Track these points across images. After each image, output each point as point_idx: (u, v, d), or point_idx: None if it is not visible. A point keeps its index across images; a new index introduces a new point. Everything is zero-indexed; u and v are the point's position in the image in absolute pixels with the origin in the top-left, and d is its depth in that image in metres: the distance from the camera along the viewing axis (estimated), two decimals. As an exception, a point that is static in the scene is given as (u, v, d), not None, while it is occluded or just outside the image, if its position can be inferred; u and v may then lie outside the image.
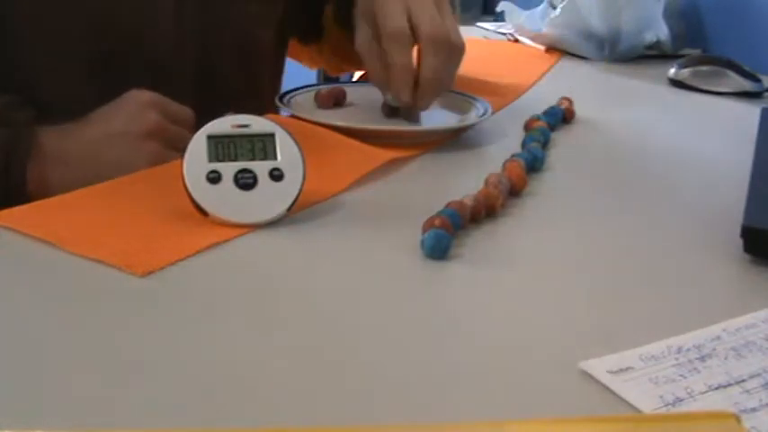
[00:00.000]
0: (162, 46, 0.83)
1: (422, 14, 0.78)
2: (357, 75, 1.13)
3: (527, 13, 1.37)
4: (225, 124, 0.60)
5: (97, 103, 0.75)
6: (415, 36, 0.78)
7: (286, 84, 0.99)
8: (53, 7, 0.78)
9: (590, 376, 0.43)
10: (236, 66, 0.90)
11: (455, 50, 0.80)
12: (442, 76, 0.79)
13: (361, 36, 0.82)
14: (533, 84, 1.07)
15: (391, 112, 0.82)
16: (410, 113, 0.82)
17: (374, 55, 0.80)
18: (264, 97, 0.92)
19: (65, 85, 0.79)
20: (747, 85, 1.09)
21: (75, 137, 0.74)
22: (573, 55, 1.28)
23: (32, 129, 0.73)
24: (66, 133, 0.74)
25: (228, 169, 0.59)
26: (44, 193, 0.71)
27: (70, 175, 0.71)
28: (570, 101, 0.92)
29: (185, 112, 0.77)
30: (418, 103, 0.80)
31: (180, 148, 0.74)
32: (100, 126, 0.74)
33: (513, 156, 0.72)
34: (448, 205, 0.59)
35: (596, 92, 1.15)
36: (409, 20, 0.78)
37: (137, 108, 0.74)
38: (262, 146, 0.60)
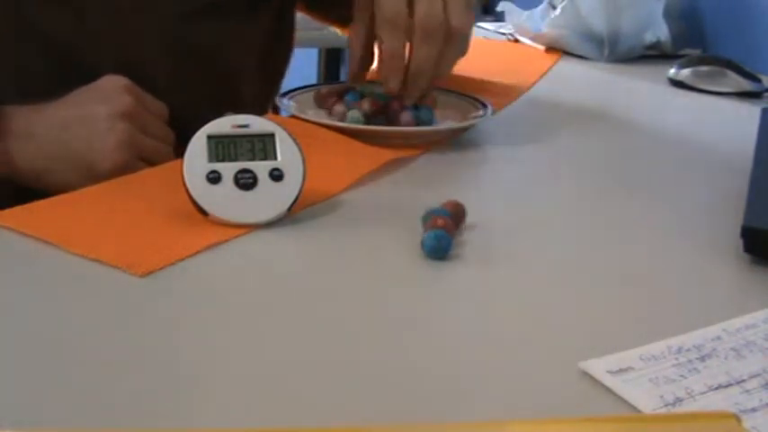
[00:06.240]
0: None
1: (423, 1, 0.74)
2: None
3: (527, 13, 1.37)
4: (225, 124, 0.60)
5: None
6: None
7: (286, 84, 0.98)
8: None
9: (590, 376, 0.43)
10: (207, 84, 0.85)
11: (453, 38, 0.75)
12: (433, 66, 0.76)
13: (356, 22, 0.80)
14: (533, 84, 1.07)
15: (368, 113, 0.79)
16: (394, 115, 0.78)
17: (361, 38, 0.79)
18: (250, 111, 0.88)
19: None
20: (747, 85, 1.09)
21: (45, 114, 0.72)
22: (573, 55, 1.27)
23: None
24: (36, 110, 0.72)
25: (228, 169, 0.59)
26: (10, 169, 0.71)
27: (34, 149, 0.71)
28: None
29: (159, 104, 0.76)
30: (405, 94, 0.77)
31: (152, 136, 0.74)
32: (72, 107, 0.73)
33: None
34: (447, 205, 0.59)
35: (596, 92, 1.14)
36: (409, 5, 0.75)
37: (112, 90, 0.73)
38: (262, 146, 0.60)
